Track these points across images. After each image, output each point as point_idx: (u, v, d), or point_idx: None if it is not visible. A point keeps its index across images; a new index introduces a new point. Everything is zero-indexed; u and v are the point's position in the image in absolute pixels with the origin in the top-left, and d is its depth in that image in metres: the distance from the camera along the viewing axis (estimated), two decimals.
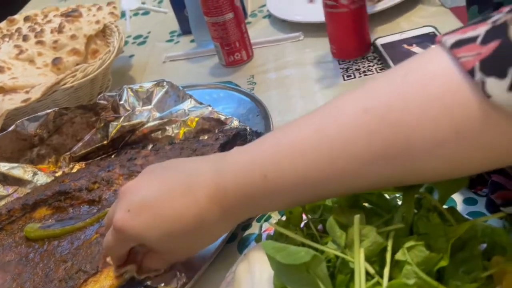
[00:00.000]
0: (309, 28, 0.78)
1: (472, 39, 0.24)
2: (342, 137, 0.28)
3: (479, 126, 0.23)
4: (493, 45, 0.23)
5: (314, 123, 0.30)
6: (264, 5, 0.90)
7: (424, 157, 0.26)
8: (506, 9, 0.25)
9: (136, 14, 1.06)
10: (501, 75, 0.22)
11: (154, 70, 0.83)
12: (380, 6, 0.75)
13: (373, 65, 0.66)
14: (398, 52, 0.65)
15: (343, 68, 0.67)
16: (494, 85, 0.22)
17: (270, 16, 0.87)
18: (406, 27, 0.72)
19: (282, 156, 0.30)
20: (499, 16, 0.24)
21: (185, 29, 0.89)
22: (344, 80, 0.65)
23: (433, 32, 0.66)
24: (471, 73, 0.23)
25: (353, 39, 0.65)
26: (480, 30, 0.24)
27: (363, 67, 0.67)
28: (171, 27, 0.95)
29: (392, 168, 0.27)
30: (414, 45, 0.65)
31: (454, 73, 0.24)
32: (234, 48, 0.73)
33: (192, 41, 0.87)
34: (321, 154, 0.28)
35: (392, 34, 0.69)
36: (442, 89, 0.24)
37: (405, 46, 0.66)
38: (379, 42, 0.68)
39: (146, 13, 1.06)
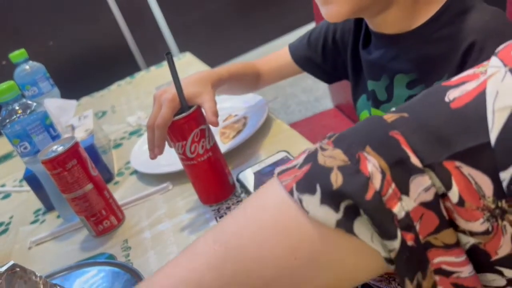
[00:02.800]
0: (176, 176, 0.79)
1: (294, 166, 0.27)
2: (194, 275, 0.28)
3: (310, 245, 0.25)
4: (306, 168, 0.26)
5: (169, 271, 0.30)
6: (129, 162, 0.91)
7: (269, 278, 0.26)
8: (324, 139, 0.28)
9: None
10: (312, 191, 0.24)
11: (18, 260, 0.74)
12: (235, 142, 0.79)
13: (241, 200, 0.68)
14: (261, 183, 0.67)
15: (214, 210, 0.67)
16: (309, 201, 0.24)
17: (137, 171, 0.87)
18: (263, 155, 0.76)
19: None
20: (315, 145, 0.28)
21: (50, 206, 0.84)
22: (217, 222, 0.65)
23: (286, 156, 0.71)
24: (291, 193, 0.25)
25: (214, 185, 0.67)
26: (301, 158, 0.27)
27: (233, 203, 0.67)
28: (35, 205, 0.89)
29: None
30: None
31: (282, 197, 0.26)
32: (101, 216, 0.70)
33: (59, 216, 0.82)
34: None
35: (252, 166, 0.72)
36: (275, 211, 0.26)
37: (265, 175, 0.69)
38: (242, 176, 0.70)
39: (7, 196, 0.99)
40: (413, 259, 0.23)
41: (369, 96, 0.73)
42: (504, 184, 0.21)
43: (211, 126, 0.65)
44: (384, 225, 0.23)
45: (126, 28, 2.76)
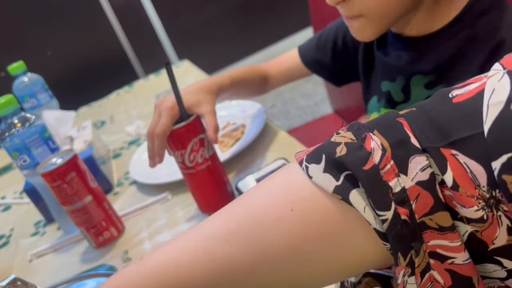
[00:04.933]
0: (175, 186, 0.79)
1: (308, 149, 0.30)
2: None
3: (310, 203, 0.27)
4: (318, 145, 0.29)
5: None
6: (129, 172, 0.91)
7: (269, 232, 0.27)
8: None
9: None
10: (318, 161, 0.27)
11: (19, 273, 0.75)
12: (234, 150, 0.79)
13: None
14: None
15: None
16: (314, 169, 0.27)
17: (136, 182, 0.87)
18: (262, 163, 0.76)
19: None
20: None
21: (50, 218, 0.84)
22: None
23: (284, 163, 0.71)
24: (300, 163, 0.28)
25: (213, 194, 0.67)
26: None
27: None
28: (35, 217, 0.89)
29: (244, 247, 0.28)
30: None
31: (292, 167, 0.29)
32: (101, 228, 0.70)
33: (59, 228, 0.82)
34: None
35: (251, 174, 0.72)
36: (282, 177, 0.29)
37: None
38: (241, 185, 0.70)
39: (8, 208, 0.99)
40: (406, 235, 0.24)
41: (380, 97, 0.72)
42: (495, 174, 0.22)
43: None
44: (379, 196, 0.24)
45: (124, 36, 2.77)
